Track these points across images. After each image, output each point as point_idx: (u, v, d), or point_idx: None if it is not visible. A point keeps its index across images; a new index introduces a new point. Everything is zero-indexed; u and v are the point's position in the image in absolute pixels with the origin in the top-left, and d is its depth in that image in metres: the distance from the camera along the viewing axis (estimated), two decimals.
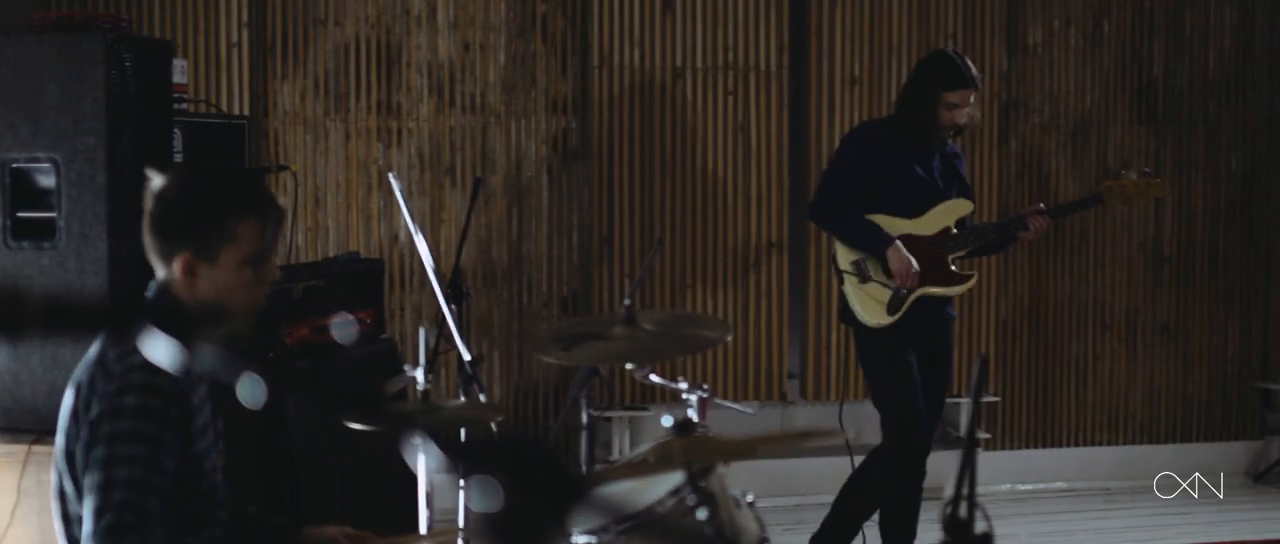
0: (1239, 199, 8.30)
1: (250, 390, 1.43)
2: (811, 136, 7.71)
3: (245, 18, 7.01)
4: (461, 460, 1.34)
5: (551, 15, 7.45)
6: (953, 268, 5.94)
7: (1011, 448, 8.04)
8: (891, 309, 5.83)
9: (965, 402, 7.87)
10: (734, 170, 7.61)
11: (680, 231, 7.57)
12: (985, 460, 7.74)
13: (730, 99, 7.59)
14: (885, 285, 5.83)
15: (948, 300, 6.00)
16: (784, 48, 7.65)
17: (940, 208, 5.94)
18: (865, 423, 8.08)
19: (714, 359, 7.65)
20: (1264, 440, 8.47)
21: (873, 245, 5.83)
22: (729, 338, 7.38)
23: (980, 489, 6.39)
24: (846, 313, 6.00)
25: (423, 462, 4.11)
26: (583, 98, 7.51)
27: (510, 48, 7.42)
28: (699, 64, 7.56)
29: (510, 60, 7.43)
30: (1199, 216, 8.23)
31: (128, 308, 3.32)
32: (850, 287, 5.87)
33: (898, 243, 5.77)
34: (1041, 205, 6.15)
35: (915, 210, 5.90)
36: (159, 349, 1.42)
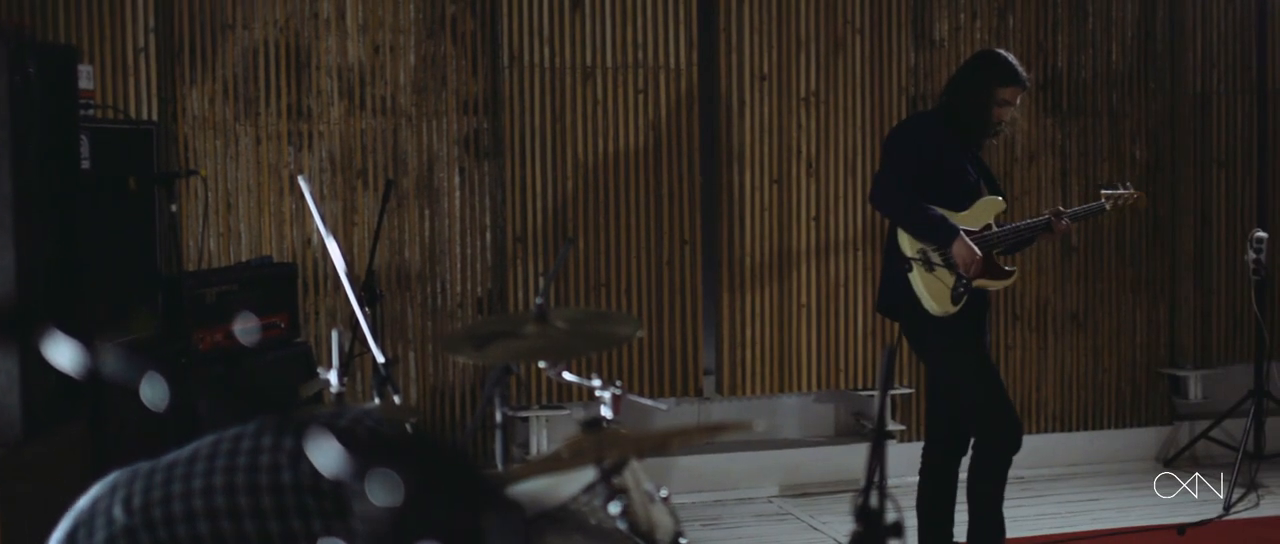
0: (1144, 188, 8.38)
1: (153, 391, 1.44)
2: (722, 133, 7.75)
3: (152, 23, 6.95)
4: (363, 457, 1.36)
5: (461, 16, 7.44)
6: (999, 263, 6.04)
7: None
8: (955, 299, 5.90)
9: (875, 393, 7.94)
10: (646, 168, 7.64)
11: (593, 230, 7.59)
12: (900, 451, 7.80)
13: (641, 97, 7.62)
14: (948, 274, 5.89)
15: (986, 296, 6.08)
16: (693, 45, 7.69)
17: (981, 203, 6.04)
18: (782, 416, 8.16)
19: (630, 356, 7.67)
20: (1173, 426, 8.59)
21: (939, 235, 5.87)
22: (641, 334, 7.41)
23: (896, 480, 6.48)
24: (894, 303, 6.04)
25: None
26: (494, 97, 7.51)
27: (420, 49, 7.41)
28: (609, 62, 7.58)
29: (420, 61, 7.42)
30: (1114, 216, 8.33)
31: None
32: (917, 275, 5.89)
33: (963, 233, 5.85)
34: (1060, 208, 6.33)
35: (960, 204, 5.99)
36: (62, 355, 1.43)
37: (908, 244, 5.90)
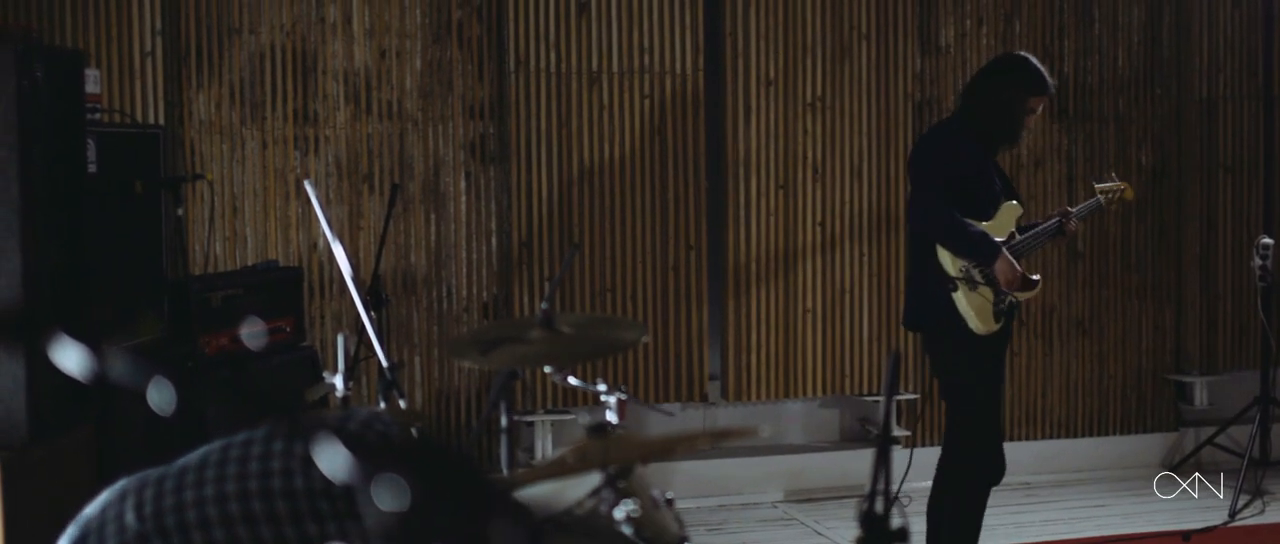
0: (1149, 194, 8.42)
1: (160, 396, 1.44)
2: (728, 139, 7.75)
3: (159, 26, 6.96)
4: (369, 462, 1.36)
5: (467, 20, 7.45)
6: (1026, 273, 5.95)
7: (932, 445, 8.09)
8: (997, 317, 5.82)
9: (880, 398, 7.93)
10: (651, 173, 7.64)
11: (599, 235, 7.60)
12: (906, 457, 7.80)
13: (647, 102, 7.62)
14: (989, 292, 5.78)
15: (1015, 310, 6.01)
16: (700, 50, 7.69)
17: (1003, 210, 5.94)
18: (787, 422, 8.16)
19: (636, 362, 7.67)
20: (1179, 432, 8.59)
21: (983, 252, 5.76)
22: (645, 339, 7.41)
23: (902, 486, 6.46)
24: (932, 320, 5.90)
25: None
26: (500, 102, 7.51)
27: (426, 53, 7.42)
28: (615, 67, 7.58)
29: (426, 66, 7.42)
30: (1111, 213, 8.33)
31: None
32: (962, 294, 5.75)
33: (1004, 249, 5.77)
34: (1068, 209, 6.24)
35: (985, 213, 5.88)
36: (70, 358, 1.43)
37: (950, 263, 5.78)
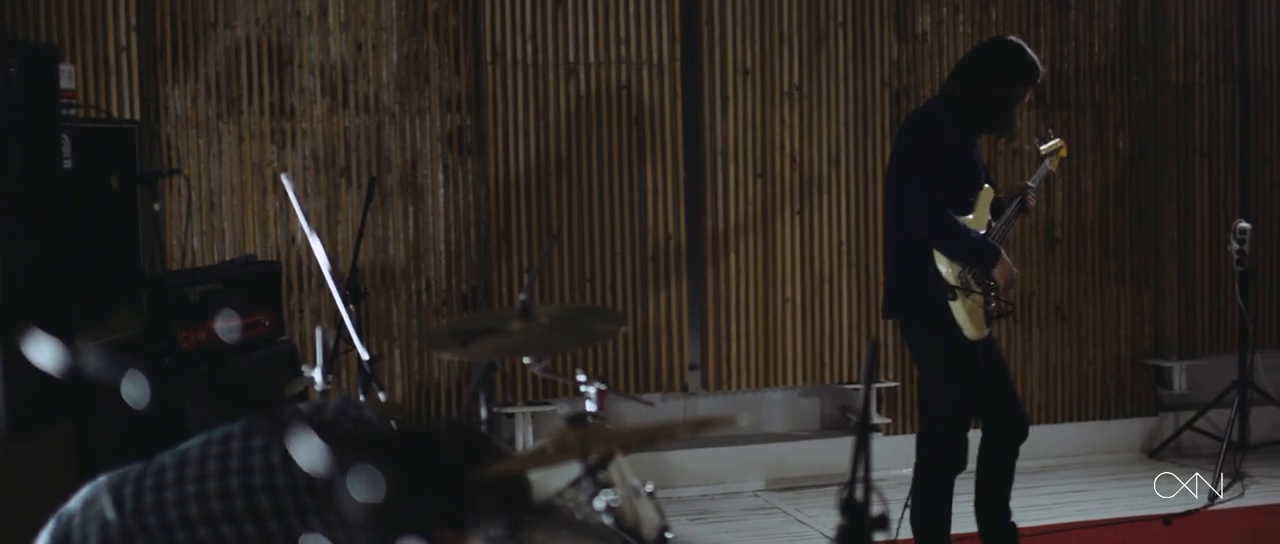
0: (1127, 180, 8.43)
1: (134, 389, 1.43)
2: (705, 128, 7.74)
3: (133, 21, 6.92)
4: (345, 453, 1.36)
5: (443, 12, 7.43)
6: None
7: (912, 432, 8.10)
8: (988, 321, 5.74)
9: (860, 386, 7.94)
10: (629, 163, 7.63)
11: (577, 226, 7.59)
12: (887, 444, 7.82)
13: (624, 92, 7.61)
14: (980, 296, 5.69)
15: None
16: (676, 40, 7.69)
17: (981, 198, 5.84)
18: (768, 410, 8.16)
19: (615, 352, 7.67)
20: (1158, 417, 8.61)
21: (983, 257, 5.67)
22: (624, 329, 7.41)
23: (882, 473, 6.46)
24: (925, 322, 5.78)
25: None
26: (477, 94, 7.50)
27: (403, 46, 7.40)
28: (592, 58, 7.57)
29: (403, 58, 7.40)
30: (1089, 198, 8.36)
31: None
32: (960, 302, 5.64)
33: (1002, 252, 5.70)
34: (1028, 184, 6.13)
35: (969, 204, 5.78)
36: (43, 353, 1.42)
37: (949, 271, 5.66)
